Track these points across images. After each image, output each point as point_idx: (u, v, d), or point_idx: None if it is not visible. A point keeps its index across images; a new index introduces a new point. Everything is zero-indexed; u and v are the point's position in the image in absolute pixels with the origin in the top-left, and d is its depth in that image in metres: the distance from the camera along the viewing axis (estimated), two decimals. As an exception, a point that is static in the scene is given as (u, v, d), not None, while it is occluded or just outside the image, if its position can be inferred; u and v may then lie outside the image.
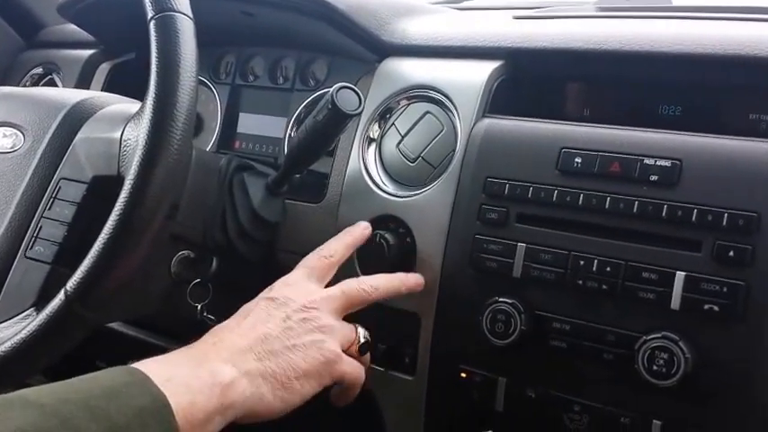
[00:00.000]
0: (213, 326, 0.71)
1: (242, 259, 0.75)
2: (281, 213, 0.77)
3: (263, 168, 0.79)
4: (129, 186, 0.54)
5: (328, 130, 0.68)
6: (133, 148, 0.57)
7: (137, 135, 0.57)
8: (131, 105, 0.67)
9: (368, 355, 0.64)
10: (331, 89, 0.66)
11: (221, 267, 0.73)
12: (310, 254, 0.65)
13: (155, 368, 0.49)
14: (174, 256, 0.71)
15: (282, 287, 0.61)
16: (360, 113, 0.67)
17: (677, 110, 0.68)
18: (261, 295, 0.62)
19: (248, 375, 0.53)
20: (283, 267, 0.80)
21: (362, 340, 0.62)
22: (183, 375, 0.50)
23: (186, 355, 0.54)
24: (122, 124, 0.62)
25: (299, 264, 0.65)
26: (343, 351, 0.60)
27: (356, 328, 0.62)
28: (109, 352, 0.98)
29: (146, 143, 0.54)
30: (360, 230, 0.69)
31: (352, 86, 0.67)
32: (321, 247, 0.66)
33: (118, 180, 0.57)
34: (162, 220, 0.57)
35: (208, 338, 0.57)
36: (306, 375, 0.56)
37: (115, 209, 0.54)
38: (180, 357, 0.53)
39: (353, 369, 0.59)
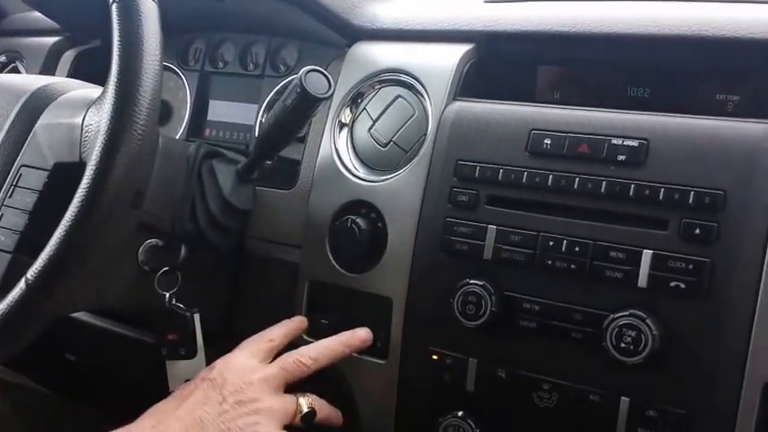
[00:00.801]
0: (183, 313, 0.71)
1: (212, 247, 0.74)
2: (251, 201, 0.76)
3: (233, 155, 0.78)
4: (91, 172, 0.52)
5: (298, 114, 0.67)
6: (95, 134, 0.56)
7: (98, 120, 0.56)
8: (93, 90, 0.66)
9: (325, 418, 0.63)
10: (299, 72, 0.65)
11: (190, 255, 0.72)
12: (253, 336, 0.67)
13: None
14: (142, 244, 0.70)
15: (222, 367, 0.62)
16: (329, 97, 0.66)
17: (646, 92, 0.69)
18: (201, 374, 0.63)
19: None
20: (253, 255, 0.79)
21: (305, 410, 0.61)
22: None
23: None
24: (84, 109, 0.60)
25: (242, 344, 0.66)
26: (288, 425, 0.60)
27: (297, 399, 0.62)
28: (78, 344, 0.97)
29: (108, 128, 0.52)
30: (298, 322, 0.71)
31: (321, 69, 0.66)
32: (263, 331, 0.68)
33: (80, 167, 0.55)
34: (126, 208, 0.56)
35: (147, 420, 0.58)
36: None
37: (77, 195, 0.53)
38: None
39: None
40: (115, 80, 0.53)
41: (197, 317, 0.73)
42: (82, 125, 0.59)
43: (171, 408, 0.60)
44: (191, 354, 0.72)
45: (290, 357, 0.64)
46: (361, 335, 0.68)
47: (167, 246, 0.71)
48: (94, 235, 0.53)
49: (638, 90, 0.69)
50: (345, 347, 0.67)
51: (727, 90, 0.65)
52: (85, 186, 0.52)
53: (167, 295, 0.71)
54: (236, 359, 0.64)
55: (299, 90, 0.64)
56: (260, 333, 0.67)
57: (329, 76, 0.66)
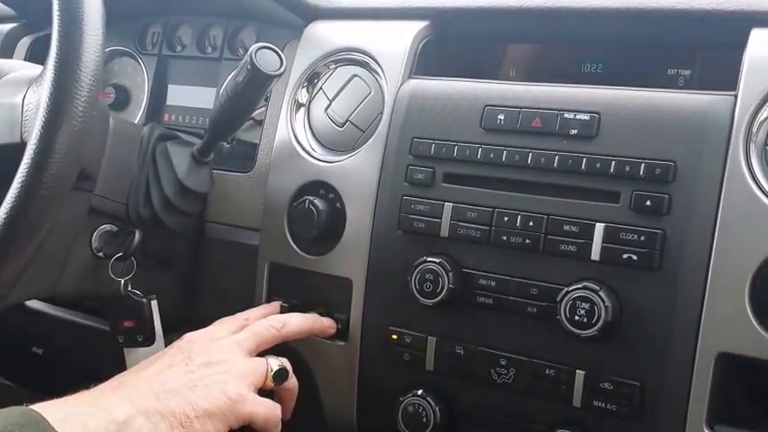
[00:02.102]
0: (139, 300, 0.70)
1: (169, 232, 0.73)
2: (208, 183, 0.75)
3: (188, 137, 0.76)
4: (31, 152, 0.50)
5: (249, 92, 0.65)
6: (35, 112, 0.54)
7: (38, 98, 0.54)
8: (35, 69, 0.63)
9: (292, 384, 0.63)
10: (250, 49, 0.63)
11: (147, 240, 0.71)
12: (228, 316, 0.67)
13: (51, 409, 0.50)
14: (95, 230, 0.69)
15: (192, 336, 0.62)
16: (280, 74, 0.65)
17: (599, 67, 0.69)
18: (170, 345, 0.63)
19: (146, 413, 0.53)
20: (212, 239, 0.78)
21: (275, 368, 0.61)
22: (78, 414, 0.51)
23: (85, 396, 0.54)
24: (25, 88, 0.58)
25: (216, 321, 0.66)
26: (260, 387, 0.59)
27: (267, 360, 0.61)
28: (41, 336, 0.95)
29: (47, 105, 0.50)
30: (275, 307, 0.71)
31: (273, 46, 0.65)
32: (240, 312, 0.68)
33: (22, 147, 0.54)
34: (70, 189, 0.54)
35: (110, 383, 0.57)
36: (207, 415, 0.55)
37: (17, 177, 0.51)
38: (78, 398, 0.54)
39: (263, 409, 0.58)
40: (55, 55, 0.51)
41: (154, 303, 0.72)
42: (22, 104, 0.57)
43: (134, 371, 0.59)
44: (148, 341, 0.71)
45: (260, 323, 0.64)
46: (328, 321, 0.69)
47: (122, 231, 0.70)
48: (38, 218, 0.51)
49: (592, 66, 0.69)
50: (313, 324, 0.67)
51: (679, 65, 0.65)
52: (26, 166, 0.50)
53: (122, 282, 0.70)
54: (207, 330, 0.63)
55: (249, 67, 0.63)
56: (236, 314, 0.67)
57: (281, 54, 0.65)
